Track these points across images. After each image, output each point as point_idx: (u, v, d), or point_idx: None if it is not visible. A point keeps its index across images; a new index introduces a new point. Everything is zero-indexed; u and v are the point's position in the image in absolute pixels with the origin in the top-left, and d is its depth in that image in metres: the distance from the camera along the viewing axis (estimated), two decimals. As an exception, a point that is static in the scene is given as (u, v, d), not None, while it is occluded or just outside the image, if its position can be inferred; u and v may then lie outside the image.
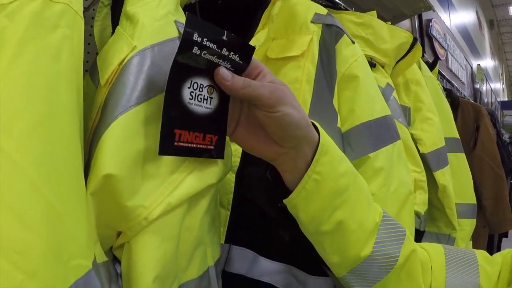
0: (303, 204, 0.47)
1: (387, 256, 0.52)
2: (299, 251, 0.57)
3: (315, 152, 0.46)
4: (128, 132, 0.39)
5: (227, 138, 0.49)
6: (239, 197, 0.65)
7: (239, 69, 0.43)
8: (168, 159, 0.41)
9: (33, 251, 0.27)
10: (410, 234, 0.66)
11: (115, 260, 0.43)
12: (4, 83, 0.29)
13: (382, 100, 0.72)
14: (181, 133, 0.40)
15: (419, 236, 1.01)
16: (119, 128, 0.38)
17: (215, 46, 0.39)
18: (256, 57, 0.68)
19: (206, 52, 0.39)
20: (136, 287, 0.39)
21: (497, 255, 0.58)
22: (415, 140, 1.03)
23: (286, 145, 0.45)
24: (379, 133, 0.67)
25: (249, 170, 0.64)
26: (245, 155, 0.64)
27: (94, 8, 0.67)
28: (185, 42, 0.37)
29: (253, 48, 0.43)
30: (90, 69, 0.54)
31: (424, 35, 3.22)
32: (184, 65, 0.39)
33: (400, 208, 0.66)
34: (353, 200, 0.49)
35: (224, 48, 0.40)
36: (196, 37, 0.37)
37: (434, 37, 3.40)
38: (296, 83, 0.65)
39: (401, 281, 0.53)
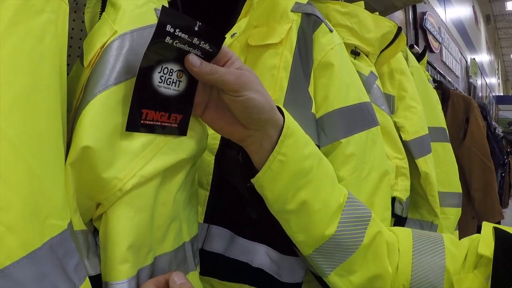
0: (269, 183, 0.50)
1: (352, 236, 0.54)
2: (272, 232, 0.59)
3: (280, 134, 0.49)
4: (106, 109, 0.41)
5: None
6: (218, 178, 0.67)
7: (208, 56, 0.46)
8: (140, 136, 0.44)
9: (13, 207, 0.29)
10: (384, 219, 0.68)
11: (96, 233, 0.45)
12: None
13: (358, 87, 0.74)
14: (148, 113, 0.44)
15: (401, 222, 1.03)
16: (98, 104, 0.41)
17: (187, 36, 0.42)
18: (237, 43, 0.71)
19: (177, 42, 0.42)
20: (111, 254, 0.41)
21: (465, 239, 0.60)
22: (398, 128, 1.05)
23: (252, 127, 0.48)
24: (352, 119, 0.69)
25: (226, 152, 0.66)
26: (223, 138, 0.66)
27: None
28: (158, 33, 0.40)
29: (223, 37, 0.46)
30: (81, 54, 0.56)
31: (418, 28, 3.24)
32: (156, 52, 0.42)
33: (372, 192, 0.68)
34: (317, 181, 0.52)
35: (195, 38, 0.43)
36: (169, 28, 0.40)
37: (428, 30, 3.41)
38: (274, 69, 0.67)
39: (367, 262, 0.56)
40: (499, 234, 0.53)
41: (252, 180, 0.51)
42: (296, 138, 0.50)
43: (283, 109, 0.51)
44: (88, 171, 0.40)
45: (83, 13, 0.64)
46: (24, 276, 0.29)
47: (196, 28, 0.42)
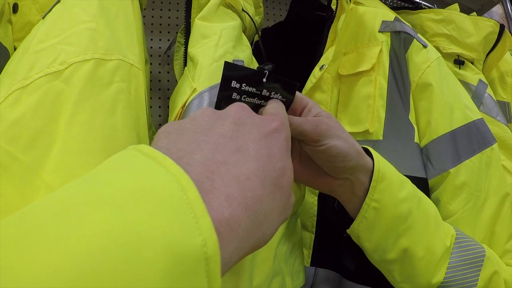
0: (365, 233, 0.46)
1: (463, 282, 0.47)
2: (381, 275, 0.54)
3: (371, 180, 0.44)
4: None
5: None
6: (323, 219, 0.63)
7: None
8: None
9: None
10: (508, 251, 0.60)
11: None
12: (63, 143, 0.31)
13: (465, 105, 0.65)
14: None
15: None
16: None
17: (254, 89, 0.39)
18: (328, 75, 0.68)
19: (246, 96, 0.40)
20: None
21: None
22: (518, 138, 0.91)
23: (339, 176, 0.45)
24: (460, 144, 0.60)
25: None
26: None
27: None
28: (224, 89, 0.38)
29: (296, 85, 0.42)
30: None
31: (521, 17, 2.91)
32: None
33: (491, 222, 0.59)
34: (418, 225, 0.47)
35: (265, 90, 0.40)
36: (234, 84, 0.38)
37: (533, 17, 3.05)
38: (369, 99, 0.62)
39: None
40: None
41: (348, 231, 0.47)
42: (390, 181, 0.45)
43: (371, 150, 0.47)
44: None
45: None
46: None
47: (264, 79, 0.39)
